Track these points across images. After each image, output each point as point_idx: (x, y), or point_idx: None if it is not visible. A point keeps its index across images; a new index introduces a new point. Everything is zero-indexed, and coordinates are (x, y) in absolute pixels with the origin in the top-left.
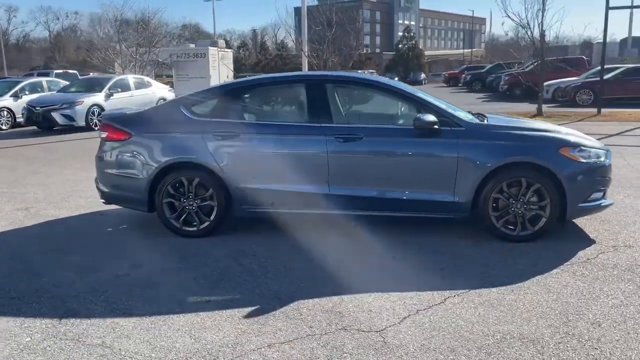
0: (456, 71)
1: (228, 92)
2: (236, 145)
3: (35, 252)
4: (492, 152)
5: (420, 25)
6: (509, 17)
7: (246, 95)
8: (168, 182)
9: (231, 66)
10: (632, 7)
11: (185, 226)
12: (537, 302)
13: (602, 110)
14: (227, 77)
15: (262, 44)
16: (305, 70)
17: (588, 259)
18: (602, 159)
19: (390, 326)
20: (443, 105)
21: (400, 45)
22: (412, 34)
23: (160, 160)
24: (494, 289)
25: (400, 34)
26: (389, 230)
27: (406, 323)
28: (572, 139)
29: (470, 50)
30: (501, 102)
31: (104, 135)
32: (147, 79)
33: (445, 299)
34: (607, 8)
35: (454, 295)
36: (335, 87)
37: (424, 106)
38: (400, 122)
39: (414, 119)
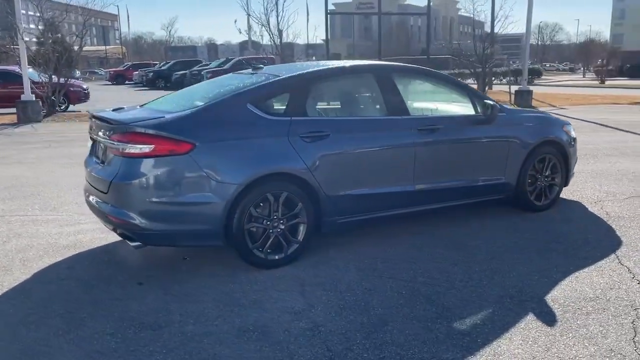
0: (121, 68)
1: (301, 83)
2: (328, 148)
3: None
4: (529, 134)
5: (47, 16)
6: (250, 15)
7: (322, 88)
8: (251, 202)
9: None
10: (350, 13)
11: (271, 255)
12: None
13: None
14: None
15: None
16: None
17: (606, 214)
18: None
19: None
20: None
21: (42, 39)
22: (57, 26)
23: (242, 176)
24: (632, 255)
25: (33, 26)
26: (448, 220)
27: None
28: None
29: (119, 47)
30: None
31: (147, 149)
32: None
33: (629, 270)
34: (327, 14)
35: (623, 262)
36: (400, 77)
37: (475, 95)
38: (458, 110)
39: (490, 106)
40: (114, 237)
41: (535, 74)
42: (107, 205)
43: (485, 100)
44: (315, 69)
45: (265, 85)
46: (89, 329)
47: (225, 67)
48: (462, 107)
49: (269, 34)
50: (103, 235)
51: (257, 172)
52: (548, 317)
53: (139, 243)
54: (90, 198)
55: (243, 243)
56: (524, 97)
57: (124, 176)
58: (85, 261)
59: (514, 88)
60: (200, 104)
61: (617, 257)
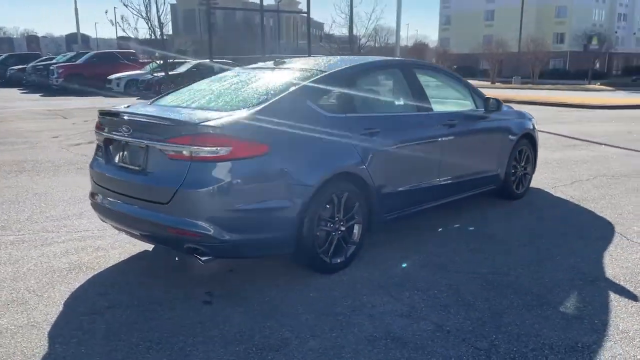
0: None
1: (351, 78)
2: (379, 144)
3: None
4: (516, 127)
5: None
6: (127, 7)
7: (366, 83)
8: (321, 205)
9: None
10: (232, 8)
11: (334, 258)
12: None
13: None
14: None
15: None
16: None
17: (572, 198)
18: None
19: None
20: None
21: None
22: None
23: (315, 177)
24: (632, 232)
25: None
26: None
27: None
28: None
29: None
30: (60, 97)
31: (223, 152)
32: None
33: None
34: (209, 8)
35: (631, 239)
36: (418, 73)
37: (474, 90)
38: (462, 105)
39: (493, 101)
40: (119, 255)
41: None
42: (165, 216)
43: (487, 96)
44: (362, 62)
45: (318, 81)
46: (203, 359)
47: (79, 61)
48: (464, 102)
49: (150, 27)
50: (102, 253)
51: (327, 172)
52: (628, 294)
53: (210, 257)
54: (114, 204)
55: (312, 248)
56: None
57: (196, 183)
58: (114, 284)
59: None
60: (254, 101)
61: (622, 235)
